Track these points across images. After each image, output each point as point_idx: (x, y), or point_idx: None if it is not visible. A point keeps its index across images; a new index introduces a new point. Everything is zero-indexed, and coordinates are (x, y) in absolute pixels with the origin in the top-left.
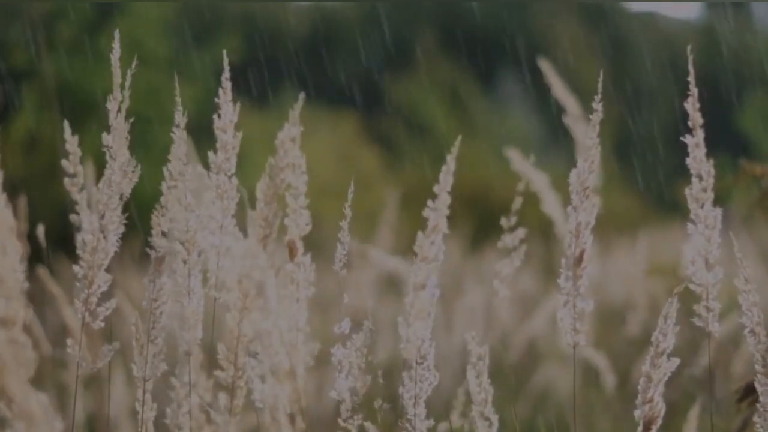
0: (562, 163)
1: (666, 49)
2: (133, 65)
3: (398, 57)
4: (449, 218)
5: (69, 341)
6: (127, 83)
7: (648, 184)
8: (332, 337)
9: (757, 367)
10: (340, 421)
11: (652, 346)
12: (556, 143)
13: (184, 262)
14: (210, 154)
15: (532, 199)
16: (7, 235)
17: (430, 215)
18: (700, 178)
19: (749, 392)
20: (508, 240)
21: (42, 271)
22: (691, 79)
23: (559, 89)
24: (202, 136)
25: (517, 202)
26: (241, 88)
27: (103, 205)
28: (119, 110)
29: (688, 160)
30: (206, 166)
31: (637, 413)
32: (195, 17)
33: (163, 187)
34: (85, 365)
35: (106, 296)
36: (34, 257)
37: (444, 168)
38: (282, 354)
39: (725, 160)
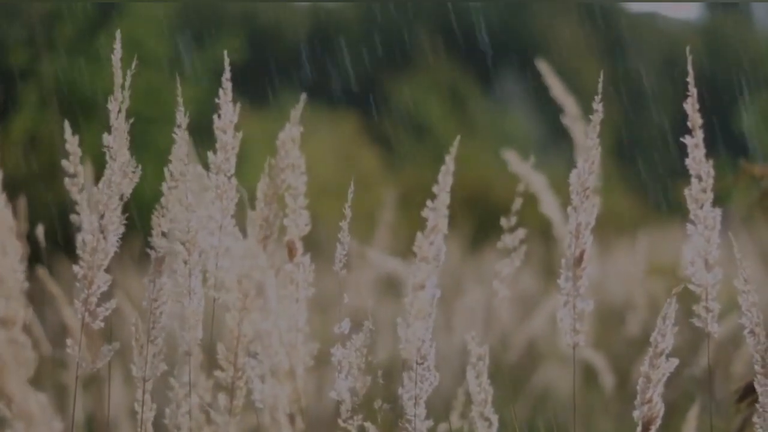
0: (561, 164)
1: (666, 49)
2: (133, 65)
3: (398, 57)
4: (449, 218)
5: (69, 341)
6: (127, 83)
7: (648, 184)
8: (332, 337)
9: (757, 368)
10: (339, 421)
11: (651, 346)
12: (555, 143)
13: (185, 262)
14: (210, 154)
15: (532, 200)
16: (7, 235)
17: (430, 215)
18: (700, 178)
19: (748, 392)
20: (508, 240)
21: (42, 271)
22: (690, 79)
23: (557, 90)
24: (202, 136)
25: (517, 203)
26: (241, 89)
27: (103, 206)
28: (120, 110)
29: (688, 161)
30: (206, 166)
31: (636, 413)
32: (195, 17)
33: (164, 187)
34: (85, 365)
35: (105, 296)
36: (34, 257)
37: (443, 168)
38: (282, 354)
39: (725, 161)
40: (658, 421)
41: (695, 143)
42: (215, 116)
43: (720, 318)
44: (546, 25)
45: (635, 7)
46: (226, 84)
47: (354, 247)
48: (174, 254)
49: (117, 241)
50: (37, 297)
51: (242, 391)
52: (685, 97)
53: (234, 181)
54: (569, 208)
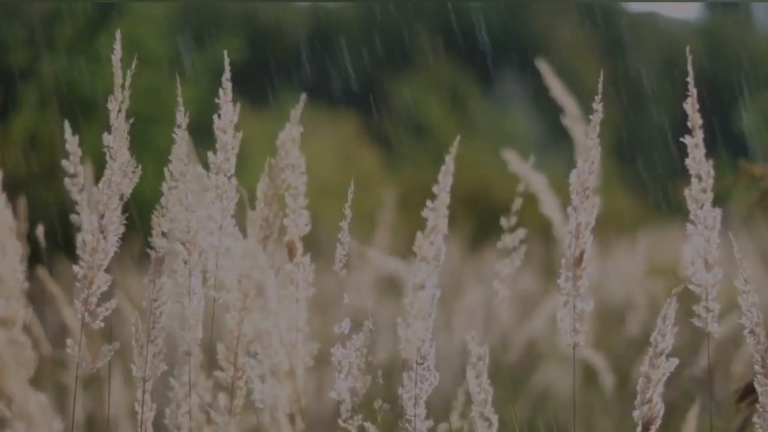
0: (562, 164)
1: (666, 49)
2: (133, 65)
3: (398, 57)
4: (449, 218)
5: (69, 341)
6: (127, 83)
7: (648, 184)
8: (332, 337)
9: (757, 368)
10: (339, 421)
11: (651, 346)
12: (555, 143)
13: (185, 262)
14: (209, 154)
15: (531, 200)
16: (7, 235)
17: (430, 215)
18: (700, 178)
19: (749, 392)
20: (507, 240)
21: (42, 272)
22: (690, 79)
23: (557, 90)
24: (202, 136)
25: (517, 203)
26: (240, 89)
27: (103, 206)
28: (120, 110)
29: (688, 161)
30: (206, 166)
31: (636, 413)
32: (195, 17)
33: (164, 187)
34: (85, 365)
35: (105, 296)
36: (34, 257)
37: (443, 168)
38: (282, 354)
39: (725, 161)
40: (658, 421)
41: (695, 143)
42: (215, 116)
43: (720, 318)
44: (546, 25)
45: (635, 7)
46: (226, 84)
47: (354, 247)
48: (174, 254)
49: (117, 241)
50: (37, 297)
51: (242, 391)
52: (685, 97)
53: (234, 181)
54: (569, 208)
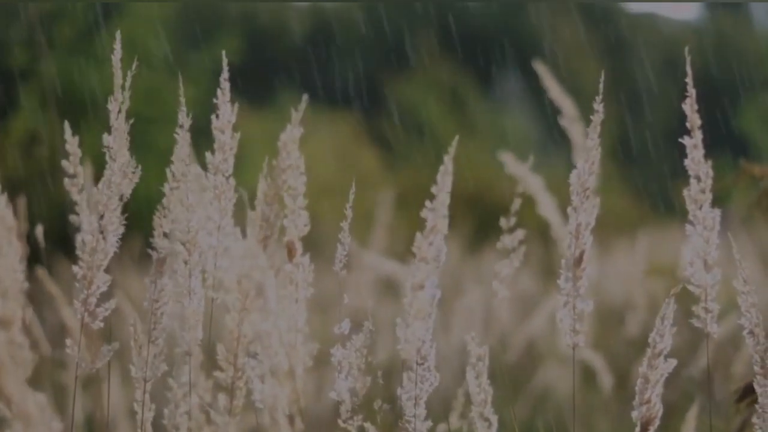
0: (561, 164)
1: (666, 49)
2: (134, 66)
3: (398, 57)
4: (448, 219)
5: (68, 341)
6: (128, 84)
7: (647, 185)
8: (332, 337)
9: (756, 368)
10: (339, 421)
11: (650, 347)
12: (555, 144)
13: (185, 262)
14: (208, 154)
15: (531, 200)
16: (7, 235)
17: (429, 216)
18: (699, 179)
19: (748, 393)
20: (507, 241)
21: (41, 272)
22: (689, 80)
23: (555, 91)
24: (201, 136)
25: (516, 203)
26: (240, 89)
27: (102, 206)
28: (120, 111)
29: (687, 162)
30: (204, 166)
31: (634, 414)
32: (195, 17)
33: (166, 188)
34: (84, 365)
35: (105, 297)
36: (33, 257)
37: (442, 168)
38: (281, 355)
39: (725, 161)
40: (657, 422)
41: (694, 144)
42: (213, 116)
43: (719, 319)
44: (546, 26)
45: (635, 8)
46: (224, 84)
47: (353, 248)
48: (174, 255)
49: (116, 242)
50: (36, 297)
51: (242, 392)
52: (685, 97)
53: (232, 181)
54: (569, 209)
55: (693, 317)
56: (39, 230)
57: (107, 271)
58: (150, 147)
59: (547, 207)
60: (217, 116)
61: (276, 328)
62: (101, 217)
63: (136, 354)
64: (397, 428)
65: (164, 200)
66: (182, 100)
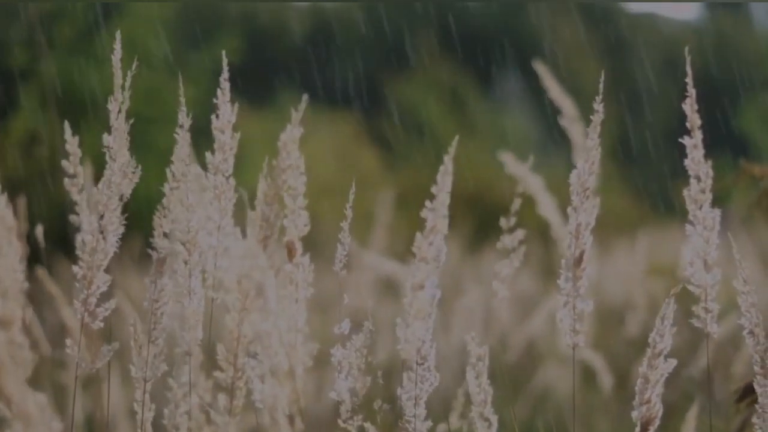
0: (561, 164)
1: (666, 49)
2: (134, 66)
3: (398, 57)
4: (448, 219)
5: (68, 341)
6: (128, 84)
7: (647, 185)
8: (332, 337)
9: (756, 368)
10: (339, 421)
11: (650, 347)
12: (555, 144)
13: (185, 262)
14: (208, 154)
15: (531, 200)
16: (7, 236)
17: (429, 216)
18: (699, 179)
19: (748, 393)
20: (507, 241)
21: (41, 272)
22: (689, 80)
23: (555, 91)
24: (201, 136)
25: (516, 203)
26: (240, 89)
27: (102, 206)
28: (120, 111)
29: (687, 162)
30: (204, 166)
31: (634, 414)
32: (195, 17)
33: (166, 188)
34: (84, 365)
35: (105, 297)
36: (33, 257)
37: (442, 168)
38: (281, 355)
39: (725, 161)
40: (657, 422)
41: (694, 144)
42: (213, 116)
43: (719, 319)
44: (545, 26)
45: (635, 8)
46: (224, 84)
47: (353, 248)
48: (174, 255)
49: (116, 242)
50: (36, 297)
51: (242, 392)
52: (685, 97)
53: (232, 181)
54: (569, 209)
55: (693, 317)
56: (39, 230)
57: (107, 271)
58: (150, 147)
59: (547, 207)
60: (217, 116)
61: (276, 328)
62: (101, 217)
63: (136, 354)
64: (397, 428)
65: (164, 200)
66: (182, 100)
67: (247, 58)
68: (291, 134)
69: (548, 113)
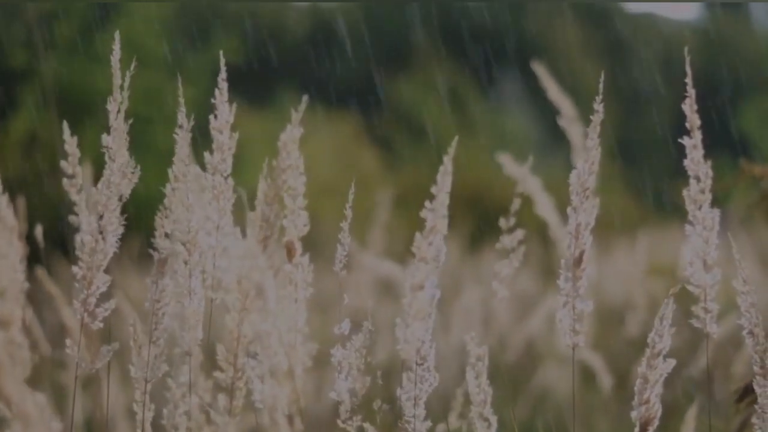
0: (561, 164)
1: (665, 49)
2: (132, 66)
3: (398, 57)
4: (448, 219)
5: (68, 342)
6: (127, 84)
7: (647, 185)
8: (331, 337)
9: (756, 369)
10: (339, 422)
11: (649, 347)
12: (555, 144)
13: (185, 262)
14: (206, 155)
15: (530, 201)
16: (7, 236)
17: (428, 216)
18: (698, 179)
19: (747, 393)
20: (506, 241)
21: (41, 272)
22: (688, 80)
23: (554, 92)
24: (201, 137)
25: (516, 203)
26: (240, 89)
27: (102, 206)
28: (119, 111)
29: (686, 162)
30: (203, 167)
31: (634, 414)
32: (195, 17)
33: (167, 188)
34: (84, 366)
35: (104, 297)
36: (33, 258)
37: (441, 168)
38: (281, 355)
39: (725, 161)
40: (656, 422)
41: (693, 144)
42: (212, 116)
43: (719, 319)
44: (545, 26)
45: (634, 8)
46: (222, 84)
47: (353, 248)
48: (175, 255)
49: (116, 242)
50: (36, 297)
51: (242, 392)
52: (684, 97)
53: (231, 181)
54: (569, 209)
55: (693, 317)
56: (39, 230)
57: (107, 271)
58: (149, 147)
59: (545, 207)
60: (216, 116)
61: (276, 328)
62: (100, 217)
63: (136, 354)
64: (397, 428)
65: (166, 200)
66: (181, 100)
67: (247, 58)
68: (291, 134)
69: (548, 113)
